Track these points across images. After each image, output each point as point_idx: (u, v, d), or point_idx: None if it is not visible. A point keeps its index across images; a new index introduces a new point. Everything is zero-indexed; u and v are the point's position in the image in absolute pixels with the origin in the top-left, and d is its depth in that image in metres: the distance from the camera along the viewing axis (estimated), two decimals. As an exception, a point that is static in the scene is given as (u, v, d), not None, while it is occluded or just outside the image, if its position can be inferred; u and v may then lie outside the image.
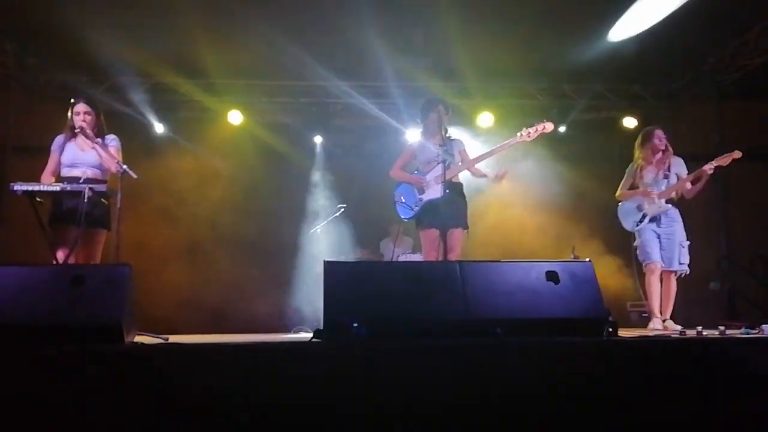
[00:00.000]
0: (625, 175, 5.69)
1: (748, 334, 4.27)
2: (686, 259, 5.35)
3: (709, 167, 5.31)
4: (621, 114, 8.52)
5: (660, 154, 5.52)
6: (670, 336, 4.02)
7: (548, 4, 6.42)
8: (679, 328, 5.04)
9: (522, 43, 7.23)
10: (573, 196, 8.37)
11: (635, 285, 6.80)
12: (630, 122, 8.47)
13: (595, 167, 8.31)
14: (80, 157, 4.82)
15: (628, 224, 5.58)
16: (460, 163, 5.09)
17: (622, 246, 8.01)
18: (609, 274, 7.16)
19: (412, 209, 5.17)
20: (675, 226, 5.40)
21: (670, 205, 5.42)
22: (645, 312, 6.17)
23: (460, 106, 8.23)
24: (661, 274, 5.41)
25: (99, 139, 4.79)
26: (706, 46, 7.46)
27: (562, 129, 8.58)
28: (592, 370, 2.91)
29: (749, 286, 8.10)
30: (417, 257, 6.88)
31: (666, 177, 5.48)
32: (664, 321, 5.33)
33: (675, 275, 5.38)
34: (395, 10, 6.47)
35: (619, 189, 5.69)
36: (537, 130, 4.97)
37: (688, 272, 5.39)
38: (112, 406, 2.63)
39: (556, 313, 3.27)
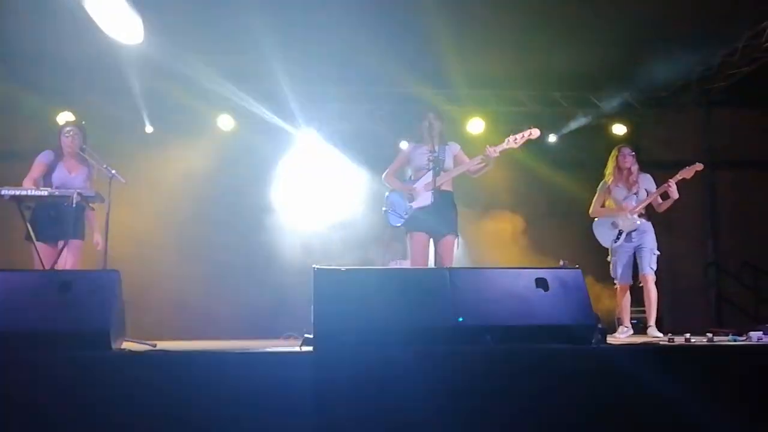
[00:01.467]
0: (597, 192, 6.00)
1: (735, 341, 4.30)
2: (654, 266, 5.67)
3: (672, 181, 5.60)
4: (610, 121, 8.57)
5: (626, 172, 5.82)
6: (658, 343, 4.04)
7: (538, 12, 6.44)
8: (659, 335, 5.35)
9: (512, 50, 7.26)
10: (562, 202, 8.40)
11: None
12: (619, 129, 8.53)
13: (585, 174, 8.31)
14: (69, 180, 4.98)
15: (605, 241, 5.87)
16: (451, 169, 5.08)
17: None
18: (599, 281, 7.18)
19: (402, 217, 5.16)
20: (646, 236, 5.71)
21: (642, 220, 5.73)
22: (634, 319, 6.23)
23: (450, 112, 8.24)
24: (637, 282, 5.83)
25: (85, 162, 5.01)
26: (694, 55, 7.50)
27: (552, 139, 8.61)
28: (581, 377, 2.92)
29: (736, 293, 8.18)
30: (407, 264, 6.86)
31: (635, 194, 5.77)
32: (648, 327, 5.61)
33: (650, 278, 5.65)
34: (386, 16, 6.48)
35: (592, 206, 6.01)
36: (524, 136, 4.98)
37: (654, 279, 5.69)
38: (99, 414, 2.61)
39: (545, 320, 3.28)
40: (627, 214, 5.70)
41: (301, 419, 2.70)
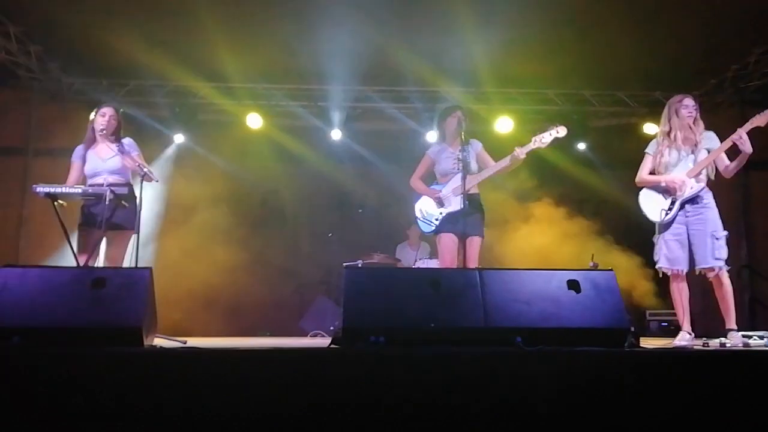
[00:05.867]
0: (645, 155, 4.69)
1: (773, 345, 4.22)
2: (723, 254, 4.28)
3: (743, 131, 4.28)
4: (641, 120, 8.44)
5: (687, 128, 4.49)
6: (692, 348, 3.96)
7: (567, 9, 6.37)
8: (740, 339, 4.19)
9: (541, 48, 7.18)
10: (593, 202, 8.32)
11: (656, 292, 6.68)
12: (651, 128, 8.38)
13: (615, 173, 8.25)
14: (101, 165, 4.84)
15: (653, 213, 4.50)
16: (476, 172, 5.06)
17: (643, 251, 7.94)
18: (629, 281, 7.08)
19: (432, 224, 5.15)
20: (705, 213, 4.35)
21: (702, 185, 4.38)
22: (665, 321, 6.03)
23: (478, 111, 8.21)
24: (700, 277, 4.43)
25: (118, 144, 4.82)
26: (728, 53, 7.38)
27: (582, 146, 8.48)
28: (612, 382, 2.87)
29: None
30: (434, 263, 6.85)
31: (693, 154, 4.44)
32: (728, 330, 4.26)
33: (718, 273, 4.29)
34: (415, 16, 6.46)
35: (639, 173, 4.68)
36: (550, 134, 4.87)
37: (726, 268, 4.30)
38: (130, 409, 2.64)
39: (576, 323, 3.23)
40: (683, 180, 4.37)
41: (329, 416, 2.70)
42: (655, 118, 8.30)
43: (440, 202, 5.12)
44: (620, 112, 8.58)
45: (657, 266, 4.45)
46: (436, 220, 5.12)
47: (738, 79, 7.85)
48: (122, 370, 2.74)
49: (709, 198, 4.40)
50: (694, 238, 4.34)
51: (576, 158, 8.37)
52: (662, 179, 4.46)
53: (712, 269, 4.27)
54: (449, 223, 5.04)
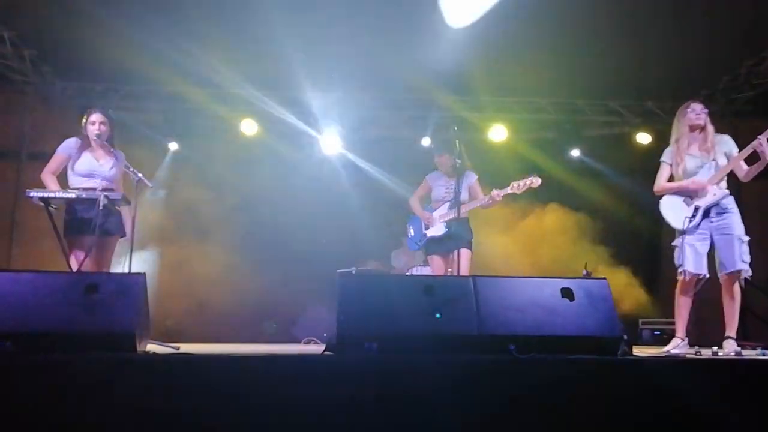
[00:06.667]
0: (661, 164, 4.61)
1: (764, 355, 4.23)
2: (747, 258, 4.23)
3: (764, 137, 4.18)
4: (634, 130, 8.48)
5: (700, 132, 4.47)
6: (684, 356, 3.98)
7: (561, 19, 6.40)
8: (736, 349, 4.19)
9: (535, 57, 7.22)
10: (586, 211, 8.33)
11: (650, 300, 6.68)
12: (643, 138, 8.42)
13: (608, 183, 8.28)
14: (97, 168, 4.78)
15: (676, 221, 4.39)
16: (466, 202, 5.46)
17: (636, 260, 7.97)
18: (621, 290, 7.10)
19: (417, 244, 5.76)
20: (730, 218, 4.30)
21: (725, 191, 4.34)
22: (658, 330, 6.03)
23: (472, 119, 8.24)
24: (699, 282, 4.39)
25: (114, 156, 4.80)
26: (721, 64, 7.44)
27: (575, 154, 8.52)
28: (605, 390, 2.88)
29: (762, 306, 8.03)
30: (428, 270, 6.85)
31: (714, 160, 4.38)
32: (725, 338, 4.27)
33: (737, 279, 4.27)
34: (409, 24, 6.49)
35: (656, 182, 4.59)
36: (525, 184, 5.31)
37: (750, 273, 4.25)
38: (123, 415, 2.63)
39: (570, 331, 3.24)
40: (705, 187, 4.31)
41: (323, 423, 2.69)
42: (648, 128, 8.40)
43: (427, 225, 5.68)
44: (613, 121, 8.63)
45: (680, 270, 4.34)
46: (420, 241, 5.72)
47: (729, 90, 7.91)
48: (115, 376, 2.73)
49: (732, 203, 4.34)
50: (721, 242, 4.27)
51: (569, 167, 8.40)
52: (686, 183, 4.38)
53: (738, 272, 4.21)
54: (435, 244, 5.58)
